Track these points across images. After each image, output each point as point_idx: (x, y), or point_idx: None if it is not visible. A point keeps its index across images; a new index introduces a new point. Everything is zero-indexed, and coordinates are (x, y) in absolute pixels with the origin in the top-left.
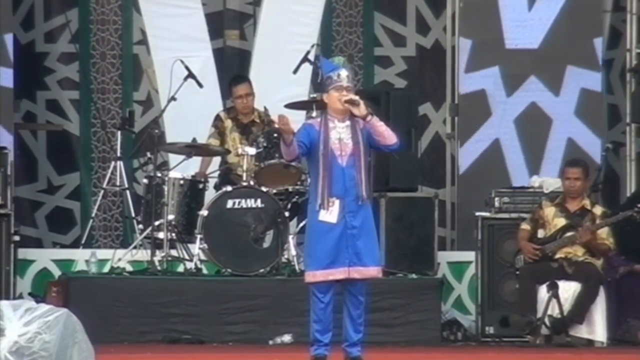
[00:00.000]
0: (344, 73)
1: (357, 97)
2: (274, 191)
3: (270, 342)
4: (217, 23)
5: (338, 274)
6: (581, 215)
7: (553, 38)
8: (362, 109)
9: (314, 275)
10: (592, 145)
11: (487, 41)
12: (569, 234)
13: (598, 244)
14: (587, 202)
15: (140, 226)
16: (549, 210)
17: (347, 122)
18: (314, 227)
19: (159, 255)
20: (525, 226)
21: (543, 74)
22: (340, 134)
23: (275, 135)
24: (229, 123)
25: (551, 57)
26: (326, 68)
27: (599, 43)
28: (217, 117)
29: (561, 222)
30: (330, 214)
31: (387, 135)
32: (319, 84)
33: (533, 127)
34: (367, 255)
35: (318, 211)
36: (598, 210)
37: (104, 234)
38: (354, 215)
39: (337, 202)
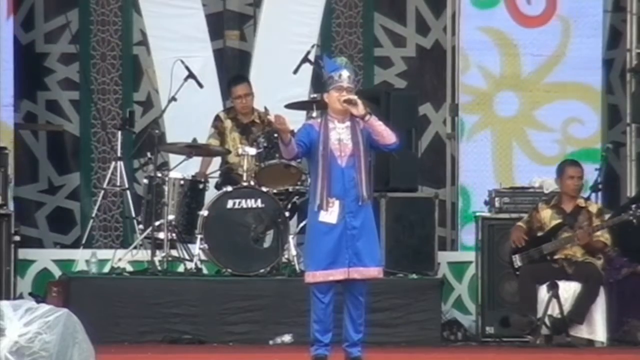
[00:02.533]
0: (345, 74)
1: (355, 97)
2: (274, 191)
3: (271, 342)
4: (217, 24)
5: (338, 274)
6: (576, 213)
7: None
8: (360, 109)
9: (313, 276)
10: None
11: None
12: (566, 234)
13: (594, 242)
14: (581, 201)
15: (141, 226)
16: (545, 213)
17: (348, 123)
18: (314, 227)
19: (159, 255)
20: (521, 223)
21: None
22: (340, 135)
23: (276, 135)
24: (228, 123)
25: None
26: (328, 68)
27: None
28: (217, 118)
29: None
30: (329, 215)
31: (386, 135)
32: (322, 83)
33: None
34: (367, 256)
35: (317, 212)
36: (593, 207)
37: (104, 234)
38: (354, 215)
39: (336, 202)
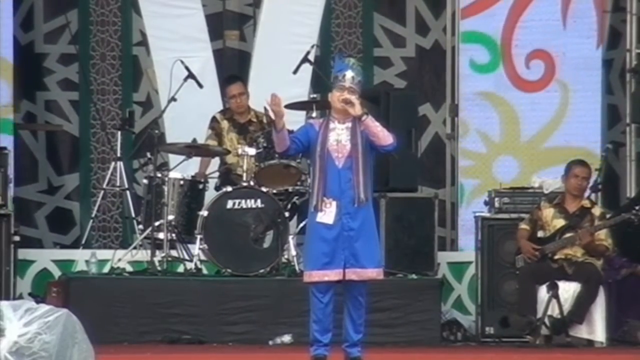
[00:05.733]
0: (349, 74)
1: (352, 97)
2: (274, 191)
3: (270, 343)
4: (216, 24)
5: (333, 275)
6: (580, 215)
7: None
8: (357, 109)
9: (310, 275)
10: None
11: None
12: (568, 235)
13: (596, 245)
14: (586, 202)
15: (140, 226)
16: (548, 212)
17: (348, 124)
18: (312, 227)
19: (159, 255)
20: (524, 226)
21: None
22: (339, 136)
23: None
24: (225, 124)
25: None
26: (336, 68)
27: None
28: (213, 119)
29: (560, 222)
30: (326, 215)
31: (382, 136)
32: (318, 82)
33: None
34: (365, 257)
35: (315, 212)
36: (597, 211)
37: (104, 234)
38: (352, 217)
39: (334, 203)
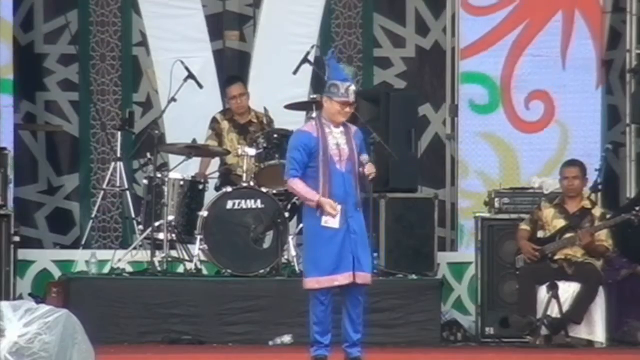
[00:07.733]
0: (351, 88)
1: (373, 170)
2: (274, 192)
3: (270, 343)
4: (216, 24)
5: (343, 279)
6: (580, 216)
7: None
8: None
9: (318, 282)
10: None
11: None
12: (568, 235)
13: (596, 246)
14: (586, 202)
15: (140, 227)
16: (548, 212)
17: (341, 128)
18: (317, 233)
19: (158, 255)
20: (524, 226)
21: None
22: (337, 139)
23: (275, 135)
24: (225, 124)
25: None
26: (335, 74)
27: None
28: (214, 119)
29: (560, 223)
30: (333, 220)
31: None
32: (322, 83)
33: None
34: (364, 261)
35: (319, 217)
36: (597, 211)
37: (103, 234)
38: (354, 220)
39: (338, 207)
